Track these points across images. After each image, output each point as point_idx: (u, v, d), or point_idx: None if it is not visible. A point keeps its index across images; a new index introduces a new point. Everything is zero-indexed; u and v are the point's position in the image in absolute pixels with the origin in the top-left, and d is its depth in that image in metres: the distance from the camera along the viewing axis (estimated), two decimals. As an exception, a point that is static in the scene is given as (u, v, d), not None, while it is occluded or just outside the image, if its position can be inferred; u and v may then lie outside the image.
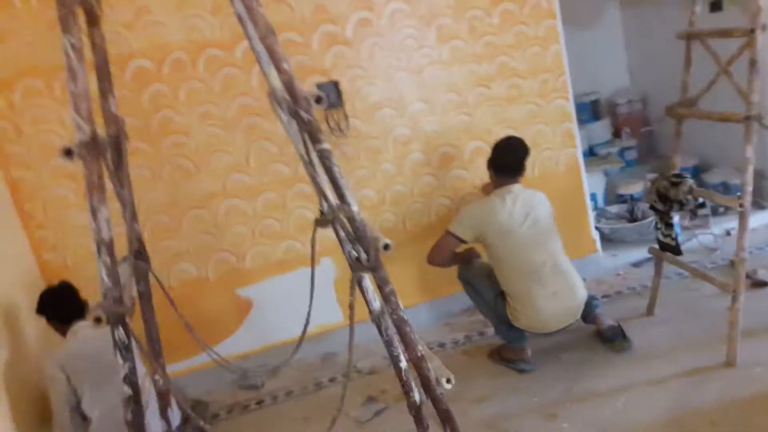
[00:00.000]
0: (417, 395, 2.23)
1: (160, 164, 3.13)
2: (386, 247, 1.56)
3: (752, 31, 2.35)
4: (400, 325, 1.65)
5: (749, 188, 2.45)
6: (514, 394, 2.72)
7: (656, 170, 4.32)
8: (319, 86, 3.20)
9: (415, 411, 2.24)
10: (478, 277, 2.94)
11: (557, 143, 3.53)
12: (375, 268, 1.59)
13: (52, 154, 2.97)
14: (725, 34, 2.52)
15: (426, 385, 1.70)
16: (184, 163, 3.16)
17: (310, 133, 1.53)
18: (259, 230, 3.30)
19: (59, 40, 2.80)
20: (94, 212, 1.47)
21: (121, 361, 1.50)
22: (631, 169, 4.57)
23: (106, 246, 1.48)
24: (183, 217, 3.20)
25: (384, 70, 3.26)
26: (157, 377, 2.13)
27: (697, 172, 4.22)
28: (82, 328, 2.60)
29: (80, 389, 2.51)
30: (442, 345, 3.28)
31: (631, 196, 4.04)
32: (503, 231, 2.75)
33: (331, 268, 3.42)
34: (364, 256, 1.58)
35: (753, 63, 2.36)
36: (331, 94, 3.23)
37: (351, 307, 1.69)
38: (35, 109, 2.98)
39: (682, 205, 2.73)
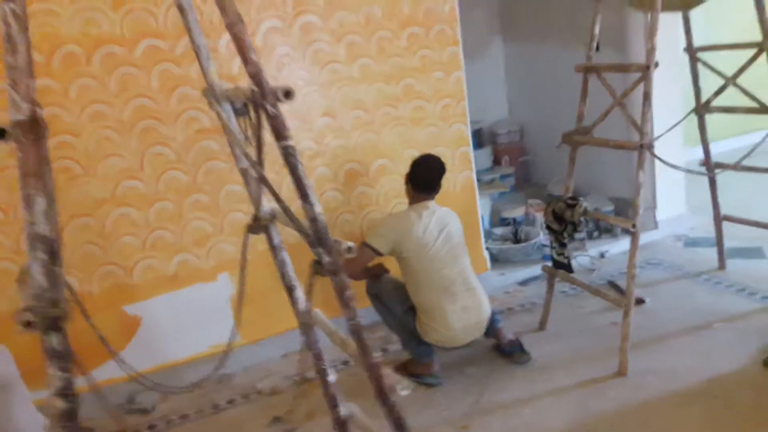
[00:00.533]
0: (343, 410, 2.19)
1: (42, 166, 2.84)
2: (349, 249, 1.53)
3: (647, 67, 2.60)
4: (358, 331, 1.61)
5: (641, 210, 2.69)
6: (424, 408, 2.74)
7: (534, 196, 4.62)
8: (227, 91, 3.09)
9: (341, 426, 2.19)
10: (388, 291, 2.95)
11: (456, 166, 3.66)
12: (336, 272, 1.54)
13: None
14: (622, 68, 2.77)
15: (380, 393, 1.66)
16: (70, 166, 2.90)
17: (275, 127, 1.47)
18: (151, 242, 3.08)
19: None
20: (29, 202, 1.30)
21: (57, 372, 1.32)
22: (510, 195, 4.85)
23: (42, 241, 1.31)
24: (65, 225, 2.91)
25: (292, 81, 3.21)
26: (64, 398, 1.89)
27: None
28: None
29: None
30: (345, 362, 3.23)
31: (515, 219, 4.27)
32: (419, 245, 2.79)
33: (228, 284, 3.27)
34: (326, 259, 1.52)
35: (646, 96, 2.61)
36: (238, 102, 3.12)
37: (308, 311, 1.62)
38: None
39: (575, 226, 2.93)
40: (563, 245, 3.01)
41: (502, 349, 3.02)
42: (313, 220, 1.52)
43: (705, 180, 3.59)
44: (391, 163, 3.50)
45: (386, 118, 3.45)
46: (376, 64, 3.39)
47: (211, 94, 1.85)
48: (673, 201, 4.30)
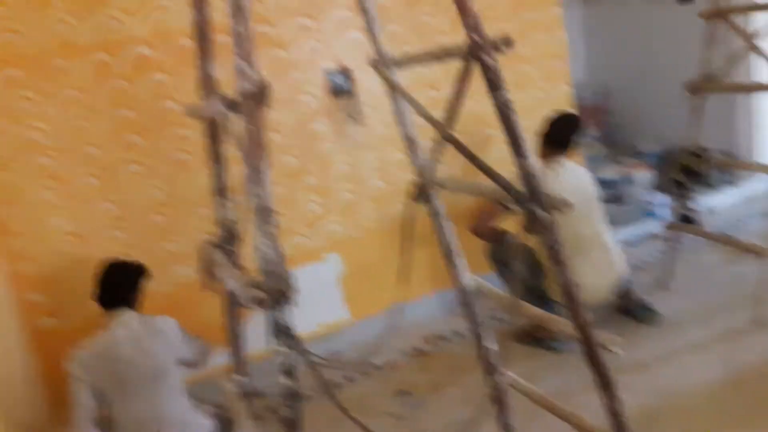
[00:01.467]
0: (500, 374, 2.18)
1: (158, 160, 2.90)
2: (565, 203, 1.51)
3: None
4: (570, 288, 1.58)
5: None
6: (558, 373, 2.72)
7: (625, 156, 4.54)
8: (330, 73, 3.11)
9: (499, 393, 2.18)
10: (513, 253, 2.91)
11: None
12: (550, 227, 1.52)
13: (34, 152, 2.70)
14: (762, 8, 2.65)
15: (590, 352, 1.64)
16: (186, 158, 2.93)
17: (491, 80, 1.44)
18: (267, 226, 3.13)
19: (48, 25, 2.51)
20: (257, 174, 1.30)
21: (284, 349, 1.34)
22: (599, 157, 4.75)
23: (270, 213, 1.32)
24: (185, 215, 2.96)
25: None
26: (242, 378, 1.94)
27: (661, 160, 4.42)
28: (118, 323, 2.29)
29: (109, 395, 2.26)
30: (458, 334, 3.23)
31: (611, 180, 4.19)
32: (554, 200, 2.77)
33: (338, 264, 3.30)
34: (543, 214, 1.50)
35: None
36: (345, 82, 3.14)
37: (516, 274, 1.61)
38: (16, 102, 2.66)
39: (704, 178, 2.86)
40: (689, 198, 2.95)
41: (629, 309, 2.98)
42: (529, 175, 1.49)
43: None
44: (497, 132, 3.44)
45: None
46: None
47: (381, 61, 1.84)
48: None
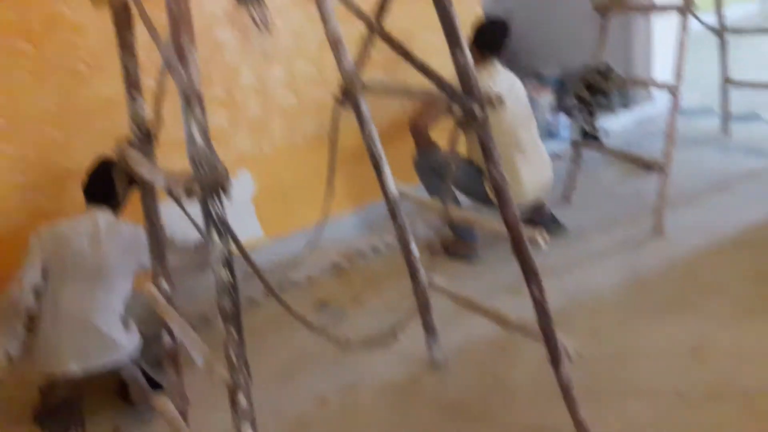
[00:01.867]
0: (424, 278, 2.20)
1: (48, 68, 2.63)
2: (499, 99, 1.49)
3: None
4: (501, 185, 1.59)
5: (682, 73, 2.75)
6: (475, 280, 2.80)
7: (526, 77, 4.62)
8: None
9: (422, 292, 2.21)
10: (445, 161, 2.89)
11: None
12: (485, 122, 1.50)
13: None
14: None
15: (517, 246, 1.68)
16: (76, 65, 2.67)
17: None
18: (168, 141, 2.91)
19: None
20: (181, 55, 1.18)
21: (217, 241, 1.26)
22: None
23: (198, 98, 1.21)
24: (84, 130, 2.71)
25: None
26: (163, 284, 1.83)
27: (562, 83, 4.57)
28: (87, 217, 2.28)
29: (49, 278, 2.23)
30: (376, 250, 3.25)
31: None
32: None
33: (249, 181, 3.18)
34: (479, 111, 1.47)
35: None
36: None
37: (449, 165, 1.59)
38: None
39: (606, 95, 2.97)
40: (593, 115, 3.06)
41: (538, 221, 3.08)
42: (464, 69, 1.45)
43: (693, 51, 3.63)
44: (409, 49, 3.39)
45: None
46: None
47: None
48: (666, 72, 4.37)
